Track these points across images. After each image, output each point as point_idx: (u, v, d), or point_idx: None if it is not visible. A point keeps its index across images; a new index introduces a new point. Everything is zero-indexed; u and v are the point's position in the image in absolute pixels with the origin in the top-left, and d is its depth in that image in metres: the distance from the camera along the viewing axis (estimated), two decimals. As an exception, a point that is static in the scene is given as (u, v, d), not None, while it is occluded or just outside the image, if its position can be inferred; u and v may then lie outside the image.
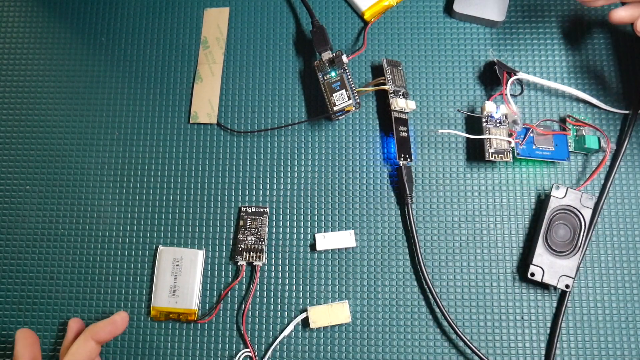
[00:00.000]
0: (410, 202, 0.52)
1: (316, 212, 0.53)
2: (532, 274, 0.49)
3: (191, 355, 0.51)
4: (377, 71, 0.56)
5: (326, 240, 0.52)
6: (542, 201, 0.53)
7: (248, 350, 0.50)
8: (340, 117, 0.55)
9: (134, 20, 0.59)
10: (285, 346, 0.51)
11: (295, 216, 0.53)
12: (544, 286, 0.51)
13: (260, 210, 0.53)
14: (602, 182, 0.53)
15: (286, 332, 0.50)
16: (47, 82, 0.58)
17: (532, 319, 0.50)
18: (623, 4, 0.48)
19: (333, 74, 0.53)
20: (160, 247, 0.53)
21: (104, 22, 0.59)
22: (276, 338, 0.51)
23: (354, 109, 0.52)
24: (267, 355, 0.50)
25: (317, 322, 0.50)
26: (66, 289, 0.53)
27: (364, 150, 0.55)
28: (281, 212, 0.53)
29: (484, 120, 0.52)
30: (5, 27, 0.60)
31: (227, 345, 0.51)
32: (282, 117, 0.56)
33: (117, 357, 0.51)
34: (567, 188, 0.50)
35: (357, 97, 0.52)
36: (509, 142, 0.52)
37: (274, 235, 0.53)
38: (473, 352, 0.49)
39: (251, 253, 0.52)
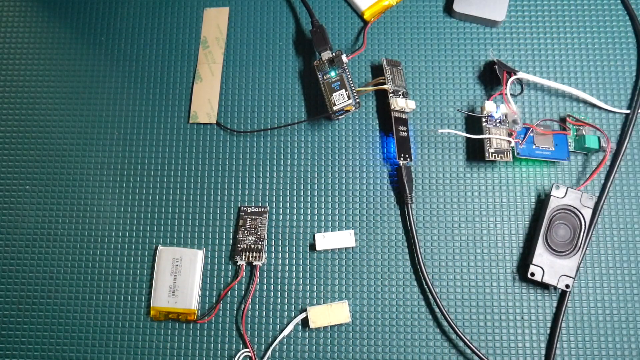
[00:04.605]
0: (410, 202, 0.52)
1: (316, 212, 0.53)
2: (532, 274, 0.49)
3: (191, 355, 0.51)
4: (377, 71, 0.56)
5: (326, 240, 0.52)
6: (542, 201, 0.53)
7: (247, 350, 0.50)
8: (340, 117, 0.55)
9: (133, 20, 0.59)
10: (285, 346, 0.51)
11: (295, 216, 0.53)
12: (544, 286, 0.51)
13: (260, 210, 0.53)
14: (602, 181, 0.53)
15: (286, 332, 0.50)
16: (47, 82, 0.58)
17: (532, 319, 0.50)
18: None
19: (333, 73, 0.53)
20: (160, 247, 0.53)
21: (104, 22, 0.59)
22: (276, 338, 0.51)
23: (353, 108, 0.52)
24: (267, 355, 0.50)
25: (317, 322, 0.50)
26: (66, 289, 0.53)
27: (364, 150, 0.55)
28: (281, 212, 0.53)
29: (483, 120, 0.52)
30: (5, 27, 0.60)
31: (227, 345, 0.51)
32: (282, 117, 0.56)
33: (117, 357, 0.51)
34: (567, 188, 0.50)
35: (356, 97, 0.52)
36: (509, 142, 0.52)
37: (273, 235, 0.53)
38: (473, 352, 0.49)
39: (251, 253, 0.52)
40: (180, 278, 0.52)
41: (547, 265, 0.49)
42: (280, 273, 0.52)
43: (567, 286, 0.49)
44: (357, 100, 0.52)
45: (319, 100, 0.56)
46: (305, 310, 0.51)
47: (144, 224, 0.54)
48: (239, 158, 0.55)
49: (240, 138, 0.55)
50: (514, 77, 0.53)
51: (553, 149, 0.52)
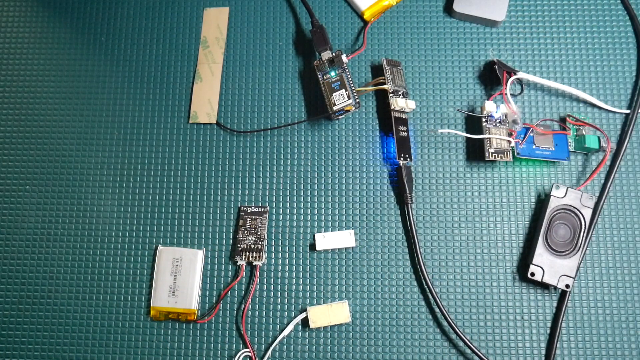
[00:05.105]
0: (410, 202, 0.52)
1: (316, 212, 0.53)
2: (532, 274, 0.49)
3: (191, 355, 0.51)
4: (377, 71, 0.56)
5: (326, 240, 0.52)
6: (542, 201, 0.53)
7: (248, 350, 0.50)
8: (340, 117, 0.55)
9: (134, 20, 0.59)
10: (285, 346, 0.51)
11: (295, 216, 0.53)
12: (544, 286, 0.51)
13: (260, 210, 0.53)
14: (602, 181, 0.53)
15: (286, 332, 0.50)
16: (47, 82, 0.58)
17: (532, 319, 0.50)
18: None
19: (333, 73, 0.53)
20: (160, 247, 0.53)
21: (104, 22, 0.59)
22: (276, 338, 0.51)
23: (353, 108, 0.52)
24: (267, 355, 0.50)
25: (317, 322, 0.50)
26: (66, 289, 0.53)
27: (364, 150, 0.55)
28: (281, 212, 0.53)
29: (483, 119, 0.52)
30: (5, 27, 0.60)
31: (227, 345, 0.51)
32: (282, 117, 0.56)
33: (117, 357, 0.51)
34: (567, 188, 0.50)
35: (356, 97, 0.52)
36: (509, 142, 0.52)
37: (273, 235, 0.53)
38: (473, 352, 0.49)
39: (251, 253, 0.52)
40: (180, 278, 0.52)
41: (547, 265, 0.49)
42: (280, 273, 0.52)
43: (567, 286, 0.49)
44: (357, 100, 0.52)
45: (319, 100, 0.56)
46: (305, 310, 0.51)
47: (144, 224, 0.54)
48: (239, 158, 0.55)
49: (240, 138, 0.55)
50: (514, 77, 0.53)
51: (553, 149, 0.52)
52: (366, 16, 0.57)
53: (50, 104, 0.57)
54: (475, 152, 0.54)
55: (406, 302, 0.51)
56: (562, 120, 0.54)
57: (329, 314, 0.50)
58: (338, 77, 0.53)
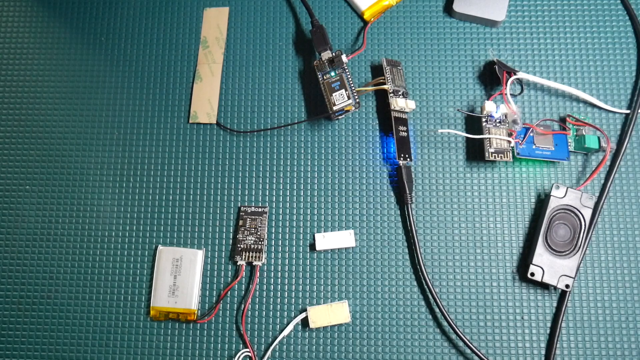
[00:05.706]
0: (410, 202, 0.52)
1: (316, 212, 0.53)
2: (532, 274, 0.49)
3: (190, 355, 0.51)
4: (377, 71, 0.56)
5: (326, 240, 0.52)
6: (542, 201, 0.53)
7: (247, 350, 0.50)
8: (339, 117, 0.55)
9: (134, 20, 0.59)
10: (285, 346, 0.51)
11: (295, 216, 0.53)
12: (544, 286, 0.51)
13: (260, 210, 0.53)
14: (602, 181, 0.53)
15: (286, 332, 0.50)
16: (47, 82, 0.58)
17: (532, 319, 0.50)
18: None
19: (333, 73, 0.53)
20: (160, 247, 0.53)
21: (104, 22, 0.59)
22: (276, 338, 0.51)
23: (353, 108, 0.52)
24: (267, 355, 0.50)
25: (317, 322, 0.50)
26: (66, 289, 0.53)
27: (364, 150, 0.55)
28: (281, 212, 0.53)
29: (483, 120, 0.52)
30: (5, 27, 0.60)
31: (227, 345, 0.51)
32: (282, 117, 0.56)
33: (117, 357, 0.51)
34: (567, 188, 0.50)
35: (356, 97, 0.52)
36: (509, 142, 0.52)
37: (273, 235, 0.53)
38: (473, 352, 0.49)
39: (251, 253, 0.52)
40: (180, 278, 0.52)
41: (547, 265, 0.49)
42: (280, 273, 0.52)
43: (567, 286, 0.49)
44: (357, 100, 0.52)
45: (319, 100, 0.56)
46: (305, 310, 0.51)
47: (144, 224, 0.54)
48: (239, 158, 0.55)
49: (240, 138, 0.55)
50: (514, 77, 0.53)
51: (553, 149, 0.52)
52: (366, 16, 0.57)
53: (50, 104, 0.57)
54: (475, 152, 0.54)
55: (406, 302, 0.51)
56: (562, 120, 0.54)
57: (329, 314, 0.50)
58: (338, 77, 0.53)
